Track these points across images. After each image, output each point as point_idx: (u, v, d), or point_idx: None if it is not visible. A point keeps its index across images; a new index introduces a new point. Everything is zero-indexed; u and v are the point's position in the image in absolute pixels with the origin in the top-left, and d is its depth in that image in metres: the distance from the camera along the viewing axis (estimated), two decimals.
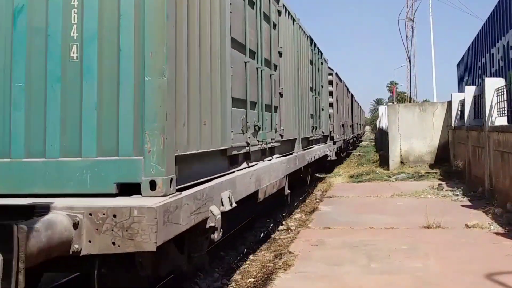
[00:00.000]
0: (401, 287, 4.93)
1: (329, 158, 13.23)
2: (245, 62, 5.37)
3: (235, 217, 5.36)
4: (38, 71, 3.25)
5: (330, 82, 15.49)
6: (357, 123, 31.78)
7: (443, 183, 12.32)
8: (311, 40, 11.02)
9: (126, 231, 2.69)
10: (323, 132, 12.37)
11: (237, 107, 4.95)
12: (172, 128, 3.17)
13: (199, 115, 3.78)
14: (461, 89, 20.57)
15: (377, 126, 40.83)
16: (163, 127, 3.04)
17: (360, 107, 43.11)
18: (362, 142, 42.93)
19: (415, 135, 16.22)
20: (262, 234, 7.86)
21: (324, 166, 14.86)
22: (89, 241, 2.75)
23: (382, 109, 33.14)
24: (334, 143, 14.53)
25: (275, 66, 6.95)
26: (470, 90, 12.54)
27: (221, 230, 3.79)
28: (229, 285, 5.39)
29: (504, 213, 8.01)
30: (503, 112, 9.64)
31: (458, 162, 13.46)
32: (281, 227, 8.15)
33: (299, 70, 8.92)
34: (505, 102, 9.55)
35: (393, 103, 33.70)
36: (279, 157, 6.96)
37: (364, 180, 14.28)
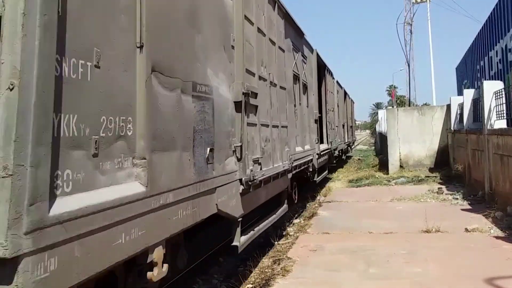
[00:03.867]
0: None
1: None
2: None
3: None
4: None
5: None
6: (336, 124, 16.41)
7: (443, 187, 12.28)
8: None
9: None
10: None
11: None
12: None
13: None
14: (460, 93, 20.55)
15: (376, 130, 40.77)
16: None
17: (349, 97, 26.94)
18: (360, 146, 42.73)
19: (415, 139, 16.19)
20: (261, 240, 7.81)
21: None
22: None
23: (381, 113, 33.10)
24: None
25: None
26: (469, 94, 12.53)
27: None
28: None
29: (505, 216, 7.96)
30: (502, 115, 9.61)
31: (458, 166, 13.43)
32: (280, 233, 8.09)
33: None
34: (504, 105, 9.53)
35: (392, 107, 33.68)
36: None
37: (363, 184, 14.23)
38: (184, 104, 3.47)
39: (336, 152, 15.86)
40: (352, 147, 31.59)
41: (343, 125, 20.24)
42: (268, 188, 5.99)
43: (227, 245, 5.06)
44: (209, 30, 4.12)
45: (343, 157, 21.11)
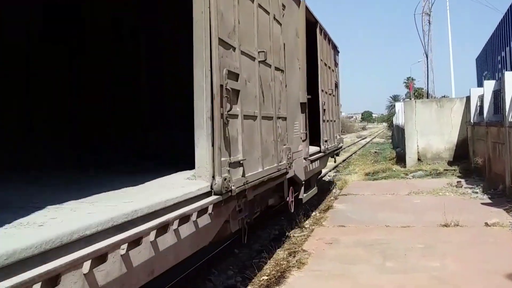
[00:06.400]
0: (416, 287, 4.83)
1: None
2: None
3: None
4: None
5: None
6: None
7: (462, 180, 12.07)
8: None
9: None
10: None
11: None
12: None
13: None
14: (480, 84, 20.11)
15: (393, 123, 40.27)
16: None
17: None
18: (377, 139, 42.18)
19: (433, 131, 15.91)
20: (276, 232, 7.82)
21: None
22: None
23: (399, 106, 32.66)
24: None
25: None
26: (490, 85, 12.24)
27: None
28: (243, 283, 5.37)
29: None
30: None
31: (478, 159, 13.16)
32: (295, 225, 8.09)
33: None
34: None
35: (410, 99, 33.21)
36: None
37: (380, 177, 14.09)
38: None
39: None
40: (331, 173, 15.71)
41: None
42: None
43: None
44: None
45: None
